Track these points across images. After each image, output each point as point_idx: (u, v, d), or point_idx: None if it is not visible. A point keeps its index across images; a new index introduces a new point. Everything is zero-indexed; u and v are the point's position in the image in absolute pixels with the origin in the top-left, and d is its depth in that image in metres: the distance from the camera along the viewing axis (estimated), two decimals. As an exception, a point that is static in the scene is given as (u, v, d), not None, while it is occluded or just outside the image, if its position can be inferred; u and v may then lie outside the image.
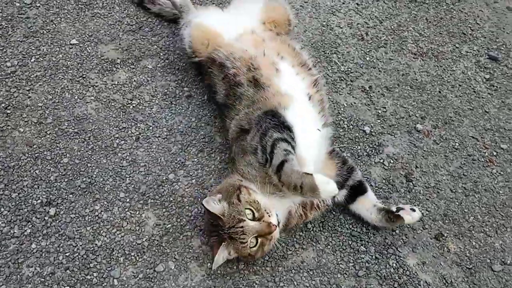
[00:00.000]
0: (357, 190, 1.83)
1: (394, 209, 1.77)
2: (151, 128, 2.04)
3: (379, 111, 2.21)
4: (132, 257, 1.71)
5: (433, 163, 2.06)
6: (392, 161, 2.05)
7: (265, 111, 1.72)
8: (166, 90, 2.16)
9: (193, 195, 1.88)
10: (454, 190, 1.99)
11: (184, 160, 1.97)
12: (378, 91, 2.28)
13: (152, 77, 2.19)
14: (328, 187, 1.50)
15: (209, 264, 1.72)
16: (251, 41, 1.94)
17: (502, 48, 2.50)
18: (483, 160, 2.09)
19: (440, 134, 2.16)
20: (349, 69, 2.34)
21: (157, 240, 1.76)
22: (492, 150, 2.12)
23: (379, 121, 2.18)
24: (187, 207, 1.85)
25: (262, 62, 1.85)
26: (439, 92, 2.30)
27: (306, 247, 1.80)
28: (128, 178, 1.89)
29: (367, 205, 1.82)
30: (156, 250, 1.74)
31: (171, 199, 1.86)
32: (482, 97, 2.31)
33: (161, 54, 2.27)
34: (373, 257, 1.78)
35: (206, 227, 1.72)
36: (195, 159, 1.98)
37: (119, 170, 1.91)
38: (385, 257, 1.79)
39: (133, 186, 1.88)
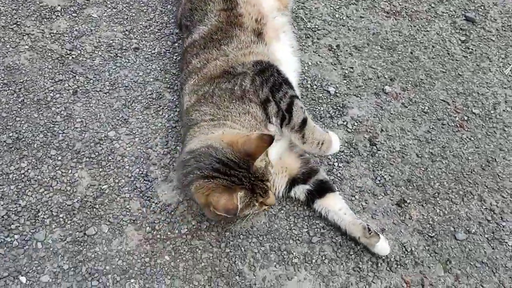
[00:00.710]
0: (326, 187, 1.65)
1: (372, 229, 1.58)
2: (91, 81, 1.85)
3: (346, 71, 2.05)
4: (60, 219, 1.54)
5: (399, 127, 1.92)
6: (356, 124, 1.90)
7: (269, 64, 1.63)
8: (111, 41, 1.96)
9: (135, 154, 1.71)
10: (420, 155, 1.85)
11: (127, 117, 1.79)
12: (346, 51, 2.11)
13: (97, 26, 1.99)
14: (338, 145, 1.67)
15: (148, 228, 1.56)
16: (269, 2, 1.88)
17: (480, 9, 2.34)
18: (453, 124, 1.95)
19: (409, 96, 2.01)
20: (316, 26, 2.16)
21: (90, 202, 1.59)
22: (463, 115, 1.98)
23: (345, 81, 2.02)
24: (127, 167, 1.68)
25: (270, 23, 1.81)
26: (411, 53, 2.14)
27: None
28: (61, 135, 1.71)
29: (340, 205, 1.63)
30: (88, 212, 1.57)
31: (110, 158, 1.69)
32: (456, 60, 2.16)
33: (108, 2, 2.06)
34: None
35: (212, 164, 1.38)
36: (140, 117, 1.80)
37: (52, 125, 1.72)
38: (342, 223, 1.64)
39: (66, 143, 1.69)
